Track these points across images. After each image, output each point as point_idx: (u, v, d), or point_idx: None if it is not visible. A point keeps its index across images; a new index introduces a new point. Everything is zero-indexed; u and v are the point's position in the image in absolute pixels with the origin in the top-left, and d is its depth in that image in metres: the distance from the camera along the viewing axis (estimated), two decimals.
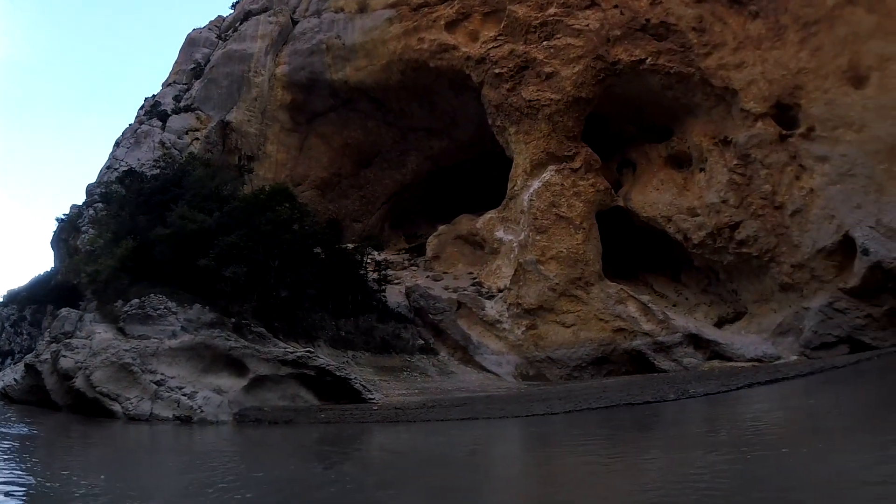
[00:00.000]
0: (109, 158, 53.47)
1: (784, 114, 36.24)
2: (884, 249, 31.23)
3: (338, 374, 27.78)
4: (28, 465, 16.15)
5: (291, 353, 27.98)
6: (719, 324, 39.08)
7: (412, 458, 17.07)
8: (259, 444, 21.47)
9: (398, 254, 52.72)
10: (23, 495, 11.96)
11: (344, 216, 55.20)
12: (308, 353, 28.29)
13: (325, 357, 29.84)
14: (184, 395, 25.05)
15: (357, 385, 27.95)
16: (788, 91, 35.85)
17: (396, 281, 44.53)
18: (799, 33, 36.01)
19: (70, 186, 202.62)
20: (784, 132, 35.66)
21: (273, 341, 28.93)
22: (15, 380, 31.38)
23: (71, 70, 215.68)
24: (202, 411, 24.64)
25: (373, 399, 27.67)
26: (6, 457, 17.04)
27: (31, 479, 13.82)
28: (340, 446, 19.86)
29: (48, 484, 13.15)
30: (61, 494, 12.18)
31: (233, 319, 28.88)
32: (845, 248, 33.10)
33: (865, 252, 31.62)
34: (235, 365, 27.20)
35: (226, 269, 29.18)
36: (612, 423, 20.66)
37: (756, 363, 34.25)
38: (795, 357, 33.82)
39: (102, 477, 14.15)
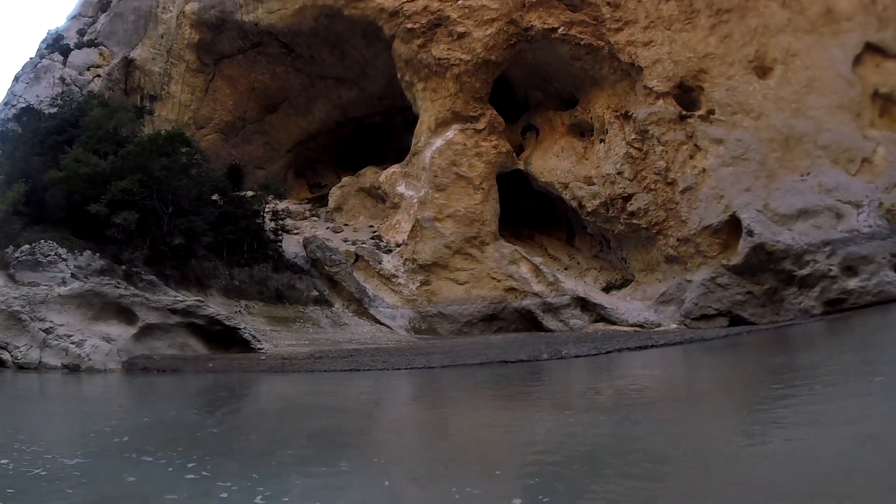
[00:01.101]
0: (7, 94, 51.43)
1: (686, 95, 38.50)
2: (768, 232, 33.79)
3: (227, 323, 29.11)
4: None
5: (181, 301, 29.07)
6: (607, 289, 41.53)
7: (281, 405, 18.88)
8: (145, 391, 22.71)
9: (300, 203, 53.43)
10: None
11: (247, 162, 55.30)
12: (198, 302, 29.44)
13: (215, 306, 31.01)
14: (72, 343, 25.88)
15: (246, 335, 29.35)
16: (693, 73, 38.06)
17: (296, 231, 45.44)
18: (710, 19, 38.32)
19: None
20: (684, 112, 37.83)
21: (164, 289, 29.89)
22: None
23: None
24: (90, 359, 25.59)
25: (261, 349, 29.16)
26: None
27: None
28: (223, 393, 21.41)
29: None
30: None
31: (123, 267, 29.59)
32: (731, 228, 35.58)
33: (750, 233, 34.08)
34: (125, 313, 28.10)
35: (117, 216, 29.78)
36: (478, 378, 22.80)
37: (638, 328, 36.75)
38: (675, 325, 36.44)
39: None
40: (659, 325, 36.84)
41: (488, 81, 43.26)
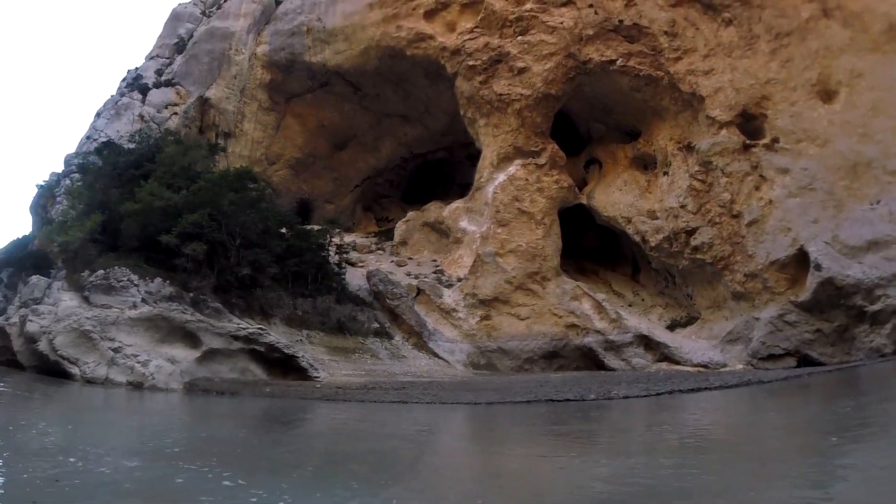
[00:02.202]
0: (90, 129, 55.85)
1: (749, 123, 38.04)
2: (837, 266, 32.89)
3: (286, 351, 30.76)
4: None
5: (244, 328, 30.89)
6: (672, 326, 41.18)
7: (322, 429, 20.10)
8: (202, 410, 24.31)
9: (367, 237, 55.40)
10: None
11: (317, 196, 57.96)
12: (259, 330, 31.24)
13: (277, 335, 32.76)
14: (138, 362, 27.89)
15: (303, 363, 30.89)
16: (755, 101, 37.64)
17: (361, 264, 47.26)
18: (770, 44, 37.83)
19: (59, 151, 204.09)
20: (748, 141, 37.45)
21: (228, 317, 31.82)
22: None
23: (65, 36, 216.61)
24: (154, 378, 27.50)
25: (318, 377, 30.61)
26: None
27: None
28: (274, 416, 22.84)
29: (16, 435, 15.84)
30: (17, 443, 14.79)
31: (191, 294, 31.71)
32: (799, 262, 34.83)
33: (818, 267, 33.30)
34: (190, 337, 30.08)
35: (186, 246, 32.11)
36: (516, 416, 23.23)
37: (702, 368, 36.15)
38: (741, 366, 35.61)
39: (50, 430, 17.05)
40: (724, 366, 36.10)
41: (549, 116, 44.43)
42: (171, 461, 12.78)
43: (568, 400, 25.45)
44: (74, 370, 27.57)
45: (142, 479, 11.16)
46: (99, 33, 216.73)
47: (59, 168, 52.42)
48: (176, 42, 60.87)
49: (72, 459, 12.30)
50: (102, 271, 30.81)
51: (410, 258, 49.27)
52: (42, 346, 28.42)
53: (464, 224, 46.35)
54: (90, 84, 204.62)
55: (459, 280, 43.64)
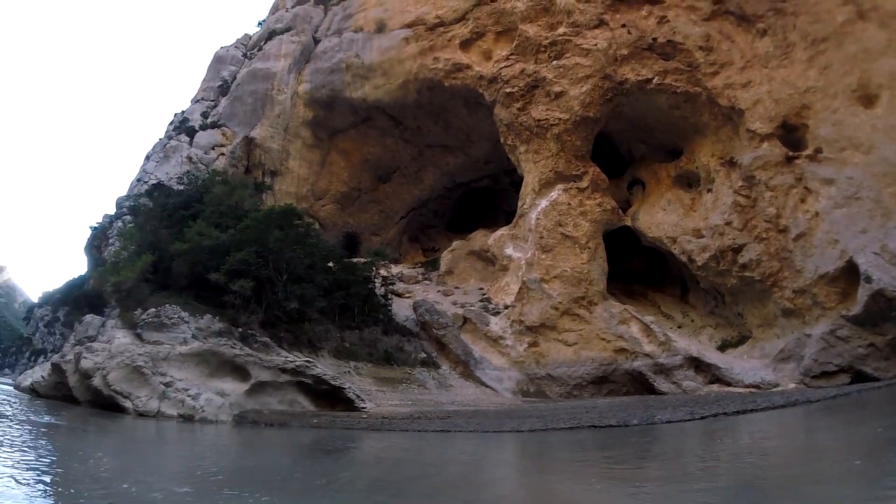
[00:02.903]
0: (140, 171, 58.70)
1: (791, 134, 37.74)
2: (887, 277, 31.98)
3: (333, 382, 31.56)
4: (53, 447, 20.31)
5: (291, 361, 31.83)
6: (723, 347, 40.91)
7: (364, 458, 20.74)
8: (250, 440, 25.23)
9: (413, 267, 56.42)
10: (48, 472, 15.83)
11: (363, 229, 59.33)
12: (307, 363, 32.14)
13: (325, 367, 33.66)
14: (189, 395, 29.00)
15: (350, 394, 31.65)
16: (795, 111, 37.32)
17: (408, 295, 48.20)
18: (807, 51, 37.47)
19: (113, 193, 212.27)
20: (790, 153, 37.13)
21: (276, 350, 32.84)
22: (42, 377, 36.15)
23: (120, 83, 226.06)
24: (204, 411, 28.55)
25: (364, 408, 31.32)
26: (39, 440, 21.31)
27: (54, 459, 17.84)
28: (318, 446, 23.59)
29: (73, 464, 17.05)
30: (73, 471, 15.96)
31: (240, 329, 32.86)
32: (848, 275, 33.96)
33: (868, 279, 32.45)
34: (239, 371, 31.15)
35: (234, 283, 33.38)
36: (554, 442, 23.42)
37: (754, 389, 35.57)
38: (794, 385, 34.82)
39: (105, 459, 18.10)
40: (776, 385, 35.50)
41: (588, 139, 44.95)
42: (218, 488, 13.69)
43: (611, 426, 25.35)
44: (127, 404, 28.81)
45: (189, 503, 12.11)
46: (150, 78, 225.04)
47: (112, 210, 54.79)
48: (220, 84, 63.41)
49: (125, 485, 13.35)
50: (154, 309, 32.19)
51: (457, 287, 49.98)
52: (96, 381, 29.77)
53: (509, 251, 46.91)
54: (143, 128, 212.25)
55: (506, 307, 44.14)
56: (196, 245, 35.77)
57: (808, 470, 14.36)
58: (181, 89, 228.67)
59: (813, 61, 37.49)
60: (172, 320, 31.82)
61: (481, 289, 48.45)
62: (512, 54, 46.67)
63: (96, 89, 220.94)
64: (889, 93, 35.19)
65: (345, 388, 31.82)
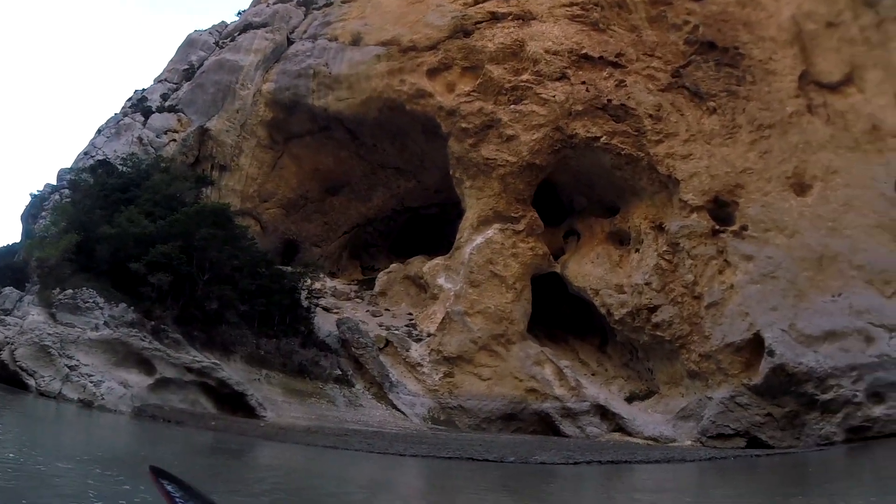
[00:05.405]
0: (88, 144, 57.90)
1: (721, 209, 40.55)
2: (791, 353, 34.81)
3: (236, 388, 33.07)
4: None
5: (199, 361, 33.28)
6: (631, 399, 43.16)
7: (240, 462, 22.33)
8: (145, 434, 26.82)
9: (349, 284, 57.60)
10: None
11: (304, 239, 60.39)
12: (214, 365, 33.60)
13: (233, 371, 35.08)
14: (91, 381, 30.28)
15: (252, 401, 33.18)
16: (729, 188, 40.21)
17: (336, 310, 49.46)
18: (752, 134, 40.62)
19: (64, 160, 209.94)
20: (717, 227, 39.84)
21: (186, 349, 34.21)
22: None
23: (91, 48, 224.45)
24: (104, 399, 29.84)
25: (264, 416, 32.90)
26: None
27: None
28: (213, 447, 25.19)
29: None
30: None
31: (153, 322, 34.15)
32: (754, 346, 36.70)
33: (771, 353, 35.22)
34: (145, 364, 32.50)
35: (153, 275, 34.68)
36: (422, 469, 25.30)
37: (652, 441, 38.08)
38: (690, 442, 37.27)
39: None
40: (673, 441, 37.91)
41: (532, 184, 47.03)
42: (99, 467, 15.40)
43: (486, 460, 27.49)
44: (31, 382, 30.03)
45: (60, 484, 13.34)
46: (126, 50, 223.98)
47: (54, 181, 54.50)
48: (186, 68, 63.95)
49: (11, 454, 15.22)
50: (71, 291, 33.38)
51: (387, 309, 51.42)
52: (4, 355, 30.96)
53: (441, 281, 48.51)
54: (107, 99, 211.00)
55: (429, 335, 45.75)
56: (124, 231, 36.86)
57: None
58: (152, 64, 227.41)
59: (755, 145, 40.62)
60: (88, 304, 33.04)
61: (410, 314, 49.94)
62: (473, 91, 48.39)
63: (66, 51, 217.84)
64: (822, 185, 38.47)
65: (247, 395, 33.35)
